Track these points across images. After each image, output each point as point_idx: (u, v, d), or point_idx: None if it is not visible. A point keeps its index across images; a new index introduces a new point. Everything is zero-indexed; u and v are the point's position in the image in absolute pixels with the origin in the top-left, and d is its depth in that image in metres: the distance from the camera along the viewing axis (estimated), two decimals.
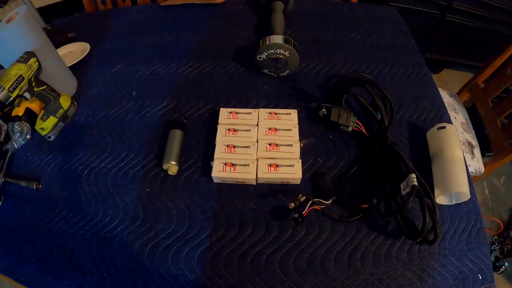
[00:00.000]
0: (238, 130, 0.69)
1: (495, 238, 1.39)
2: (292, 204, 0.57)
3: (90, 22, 1.11)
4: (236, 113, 0.72)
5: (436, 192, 0.62)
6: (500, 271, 1.29)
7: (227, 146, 0.66)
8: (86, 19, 1.15)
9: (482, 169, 1.06)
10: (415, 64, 0.87)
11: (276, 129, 0.69)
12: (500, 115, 1.04)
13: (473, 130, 1.13)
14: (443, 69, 1.95)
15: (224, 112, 0.72)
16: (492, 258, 1.34)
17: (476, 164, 1.06)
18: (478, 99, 1.14)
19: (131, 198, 0.66)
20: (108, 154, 0.73)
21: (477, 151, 1.08)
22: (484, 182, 1.56)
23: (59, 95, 0.76)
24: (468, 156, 1.05)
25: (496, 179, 1.58)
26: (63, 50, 0.98)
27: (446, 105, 1.14)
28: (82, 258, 0.61)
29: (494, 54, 1.09)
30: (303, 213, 0.56)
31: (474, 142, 1.10)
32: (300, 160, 0.65)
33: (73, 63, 0.91)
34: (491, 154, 1.06)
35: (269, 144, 0.66)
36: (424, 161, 0.68)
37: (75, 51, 0.98)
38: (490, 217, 1.45)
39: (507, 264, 1.28)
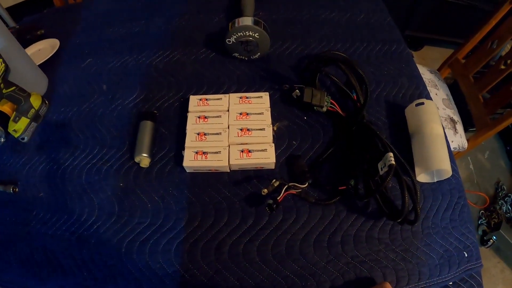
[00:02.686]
0: (209, 117, 0.67)
1: (482, 213, 1.40)
2: (265, 190, 0.55)
3: (59, 17, 1.07)
4: (206, 99, 0.70)
5: (417, 170, 0.60)
6: (488, 245, 1.31)
7: (198, 134, 0.65)
8: (55, 14, 1.11)
9: (465, 145, 1.06)
10: (392, 41, 0.85)
11: (247, 114, 0.67)
12: (482, 90, 1.04)
13: (455, 106, 1.13)
14: (424, 46, 1.94)
15: (194, 100, 0.70)
16: (480, 233, 1.35)
17: (459, 139, 1.05)
18: (459, 75, 1.14)
19: (106, 194, 0.65)
20: (81, 151, 0.71)
21: (459, 126, 1.07)
22: (469, 158, 1.57)
23: (29, 95, 0.74)
24: (450, 132, 1.05)
25: (481, 154, 1.58)
26: (32, 49, 0.95)
27: (427, 81, 1.14)
28: (62, 258, 0.60)
29: (474, 29, 1.08)
30: (278, 198, 0.55)
31: (456, 117, 1.09)
32: (273, 144, 0.63)
33: (43, 61, 0.88)
34: (474, 129, 1.05)
35: (241, 129, 0.64)
36: (404, 139, 0.66)
37: (44, 48, 0.95)
38: (476, 192, 1.45)
39: (494, 237, 1.29)
